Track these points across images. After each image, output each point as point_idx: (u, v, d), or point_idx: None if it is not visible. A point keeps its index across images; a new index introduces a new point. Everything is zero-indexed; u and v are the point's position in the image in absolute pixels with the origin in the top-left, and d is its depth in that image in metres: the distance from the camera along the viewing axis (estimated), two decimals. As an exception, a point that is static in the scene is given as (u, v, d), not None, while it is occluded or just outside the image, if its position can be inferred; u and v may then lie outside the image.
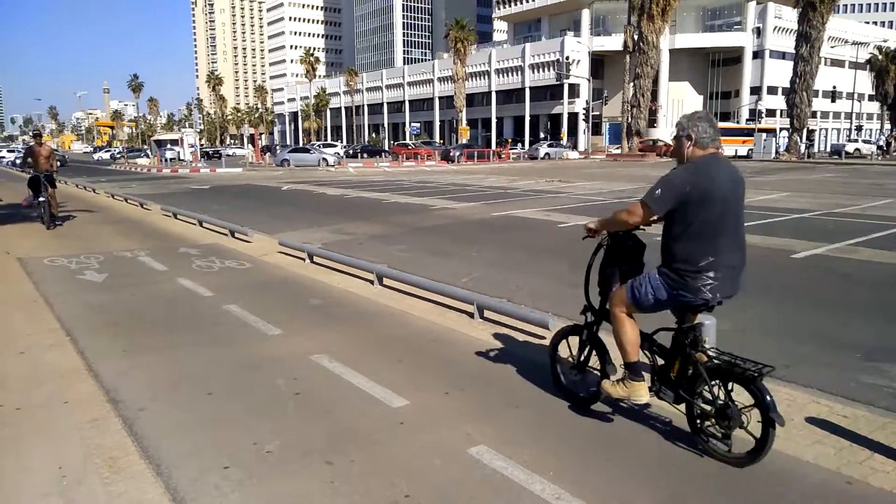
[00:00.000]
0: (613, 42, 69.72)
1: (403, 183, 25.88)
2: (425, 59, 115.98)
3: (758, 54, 70.81)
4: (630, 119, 46.32)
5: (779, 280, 7.98)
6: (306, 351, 5.17)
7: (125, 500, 3.00)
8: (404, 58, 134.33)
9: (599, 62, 73.97)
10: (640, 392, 3.56)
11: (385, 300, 7.00)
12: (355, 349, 5.28)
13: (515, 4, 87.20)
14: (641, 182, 24.01)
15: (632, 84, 46.14)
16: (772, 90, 69.92)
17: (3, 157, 55.69)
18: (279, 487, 3.13)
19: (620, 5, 74.52)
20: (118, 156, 61.87)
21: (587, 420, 3.92)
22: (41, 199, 12.86)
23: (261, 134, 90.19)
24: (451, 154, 46.82)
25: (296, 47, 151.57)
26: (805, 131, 46.84)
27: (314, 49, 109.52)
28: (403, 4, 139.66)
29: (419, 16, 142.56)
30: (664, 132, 59.10)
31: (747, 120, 63.83)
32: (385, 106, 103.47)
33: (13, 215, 15.19)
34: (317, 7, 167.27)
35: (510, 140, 72.25)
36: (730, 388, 3.32)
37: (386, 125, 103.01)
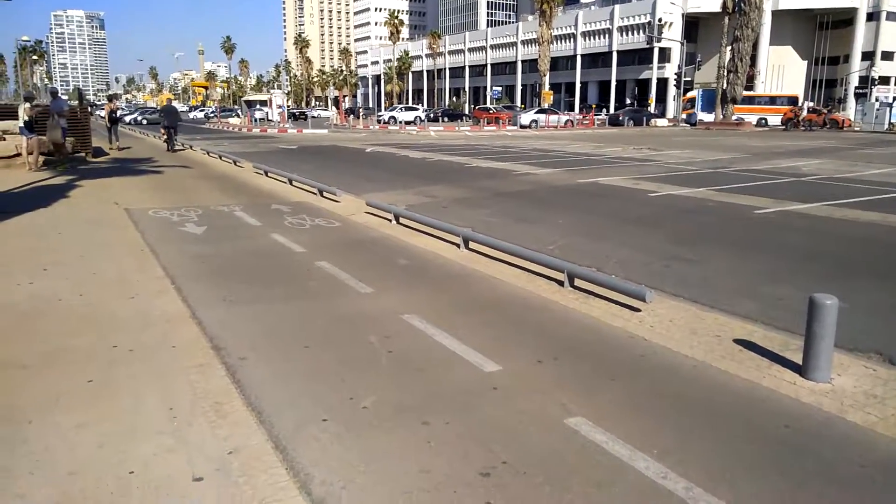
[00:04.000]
0: (710, 3, 65.48)
1: (485, 147, 25.61)
2: (509, 22, 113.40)
3: (872, 16, 64.80)
4: (726, 85, 43.59)
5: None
6: (397, 310, 5.20)
7: (231, 444, 3.11)
8: (488, 20, 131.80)
9: (693, 25, 69.93)
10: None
11: (472, 264, 6.94)
12: (445, 311, 5.26)
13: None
14: (736, 151, 22.71)
15: (729, 48, 43.27)
16: (887, 55, 64.08)
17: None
18: (377, 443, 3.16)
19: (721, -37, 70.06)
20: (211, 115, 64.46)
21: (689, 395, 3.74)
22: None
23: (344, 96, 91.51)
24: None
25: (380, 10, 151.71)
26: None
27: (398, 11, 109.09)
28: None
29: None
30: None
31: (856, 88, 59.02)
32: (466, 69, 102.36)
33: (121, 169, 16.12)
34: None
35: (594, 105, 70.00)
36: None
37: (467, 89, 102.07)
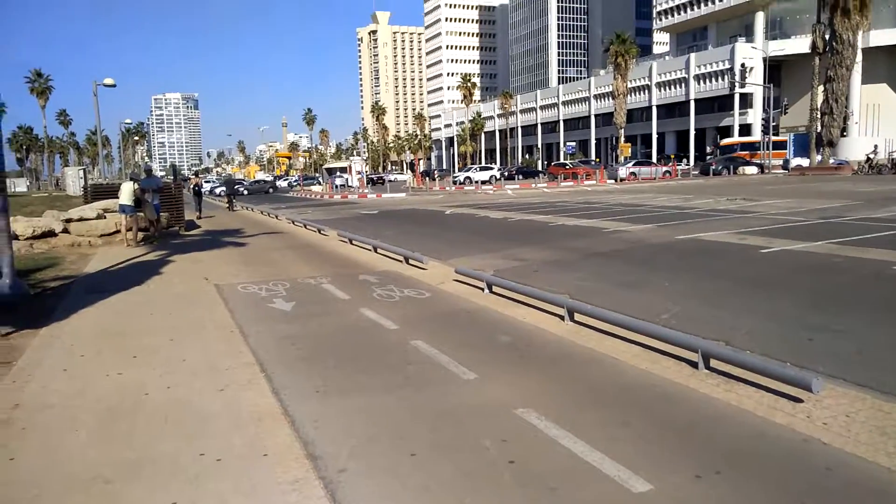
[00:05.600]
0: (794, 45, 63.59)
1: (566, 204, 24.92)
2: (580, 78, 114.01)
3: (978, 46, 60.65)
4: (820, 128, 41.24)
5: None
6: (509, 402, 4.54)
7: None
8: (559, 77, 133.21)
9: (775, 68, 67.65)
10: None
11: (581, 340, 6.21)
12: (566, 404, 4.55)
13: (679, 14, 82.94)
14: (845, 198, 20.96)
15: (822, 89, 41.15)
16: None
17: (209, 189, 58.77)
18: None
19: (801, 4, 68.12)
20: (294, 184, 67.13)
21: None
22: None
23: (419, 159, 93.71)
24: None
25: (452, 74, 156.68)
26: None
27: (470, 75, 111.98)
28: (559, 24, 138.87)
29: (574, 34, 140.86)
30: (858, 142, 52.31)
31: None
32: (539, 127, 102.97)
33: (212, 241, 16.49)
34: (472, 34, 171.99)
35: (673, 156, 68.21)
36: None
37: (539, 146, 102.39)
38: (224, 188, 35.65)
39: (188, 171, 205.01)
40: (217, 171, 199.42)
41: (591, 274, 10.14)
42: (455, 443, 3.95)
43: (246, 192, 55.11)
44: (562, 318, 6.94)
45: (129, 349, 6.24)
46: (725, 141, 59.12)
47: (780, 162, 48.14)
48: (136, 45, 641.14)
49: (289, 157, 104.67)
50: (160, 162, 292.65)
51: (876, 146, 40.22)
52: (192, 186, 29.79)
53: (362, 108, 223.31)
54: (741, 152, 50.76)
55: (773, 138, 48.95)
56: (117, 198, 15.09)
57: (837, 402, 4.38)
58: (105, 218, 15.58)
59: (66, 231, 14.95)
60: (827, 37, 40.71)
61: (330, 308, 8.01)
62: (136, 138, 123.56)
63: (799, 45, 62.02)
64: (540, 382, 5.05)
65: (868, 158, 39.03)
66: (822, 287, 8.46)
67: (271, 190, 59.18)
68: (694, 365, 5.21)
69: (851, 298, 7.79)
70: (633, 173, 44.66)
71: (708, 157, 59.70)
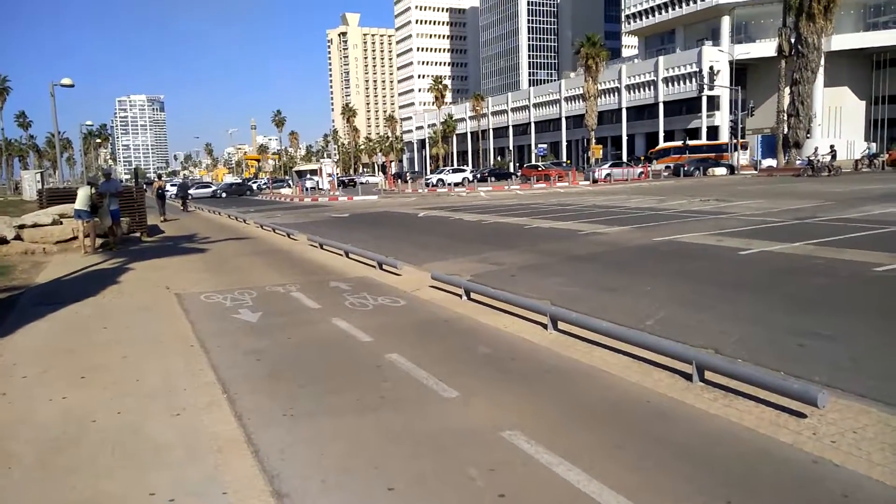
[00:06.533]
0: (759, 49, 64.65)
1: (540, 206, 24.74)
2: (551, 80, 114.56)
3: (933, 51, 62.51)
4: (787, 129, 41.92)
5: None
6: (494, 424, 4.18)
7: None
8: (530, 80, 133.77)
9: (741, 72, 68.78)
10: None
11: (567, 351, 5.89)
12: (554, 424, 4.21)
13: (647, 17, 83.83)
14: (815, 199, 21.15)
15: (788, 91, 41.83)
16: (954, 90, 61.27)
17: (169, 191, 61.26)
18: None
19: (765, 9, 69.38)
20: (264, 186, 65.96)
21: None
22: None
23: (391, 161, 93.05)
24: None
25: (423, 76, 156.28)
26: None
27: (442, 77, 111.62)
28: (529, 27, 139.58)
29: (544, 37, 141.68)
30: (820, 143, 53.43)
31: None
32: (510, 129, 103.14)
33: (174, 248, 15.84)
34: (443, 36, 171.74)
35: (643, 157, 68.82)
36: None
37: (511, 148, 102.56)
38: (178, 191, 37.59)
39: (153, 174, 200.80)
40: (184, 174, 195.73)
41: (571, 278, 9.87)
42: (437, 473, 3.58)
43: (224, 195, 55.07)
44: (544, 326, 6.61)
45: (78, 368, 5.72)
46: (661, 146, 60.22)
47: (744, 162, 48.90)
48: (100, 46, 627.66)
49: (258, 160, 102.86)
50: (125, 165, 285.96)
51: (816, 149, 40.93)
52: (155, 189, 28.85)
53: (333, 109, 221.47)
54: (673, 156, 51.63)
55: (741, 140, 49.70)
56: (74, 203, 14.33)
57: (842, 417, 4.12)
58: (62, 224, 14.81)
59: (18, 238, 14.16)
60: (792, 40, 41.42)
61: (299, 318, 7.56)
62: (99, 141, 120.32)
63: (764, 48, 63.20)
64: (526, 400, 4.70)
65: (810, 161, 39.77)
66: (806, 290, 8.29)
67: (248, 193, 59.13)
68: (688, 377, 4.92)
69: (836, 301, 7.63)
70: (608, 175, 44.91)
71: (641, 161, 59.91)
